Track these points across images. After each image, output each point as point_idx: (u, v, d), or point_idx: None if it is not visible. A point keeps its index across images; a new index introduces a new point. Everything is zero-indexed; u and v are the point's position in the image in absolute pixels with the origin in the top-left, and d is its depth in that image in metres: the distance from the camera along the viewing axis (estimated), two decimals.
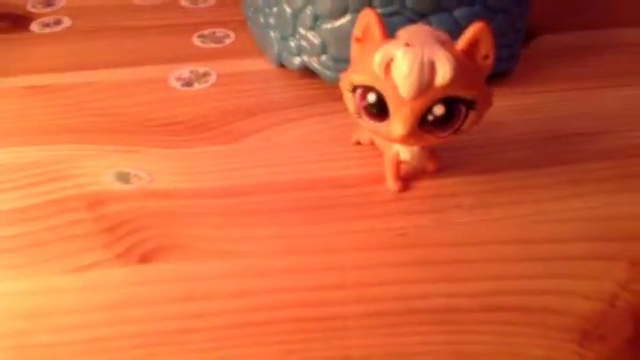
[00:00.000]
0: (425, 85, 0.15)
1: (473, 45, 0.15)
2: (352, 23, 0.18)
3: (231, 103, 0.24)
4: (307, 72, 0.24)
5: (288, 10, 0.23)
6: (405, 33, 0.16)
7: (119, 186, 0.20)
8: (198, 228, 0.18)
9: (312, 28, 0.23)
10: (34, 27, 0.30)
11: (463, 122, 0.16)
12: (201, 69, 0.26)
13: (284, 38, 0.24)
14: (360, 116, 0.17)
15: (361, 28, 0.16)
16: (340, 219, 0.18)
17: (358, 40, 0.16)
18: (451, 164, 0.20)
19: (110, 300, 0.16)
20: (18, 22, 0.31)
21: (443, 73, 0.15)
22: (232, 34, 0.29)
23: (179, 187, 0.20)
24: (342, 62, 0.23)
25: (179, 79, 0.26)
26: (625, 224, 0.18)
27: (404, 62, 0.15)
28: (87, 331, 0.15)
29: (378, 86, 0.15)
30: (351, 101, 0.17)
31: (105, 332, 0.15)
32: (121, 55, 0.27)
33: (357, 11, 0.21)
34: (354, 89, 0.16)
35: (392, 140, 0.17)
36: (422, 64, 0.15)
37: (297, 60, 0.24)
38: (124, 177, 0.20)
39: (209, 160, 0.21)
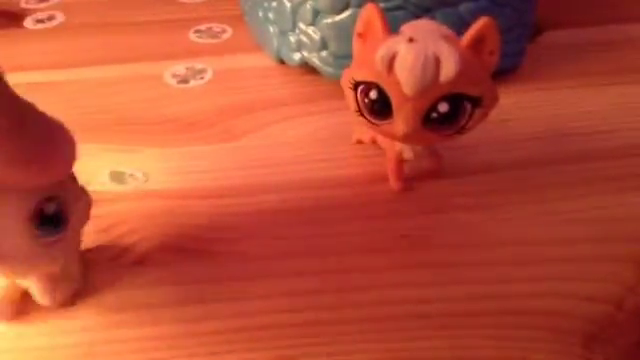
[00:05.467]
0: (429, 82, 0.14)
1: (478, 41, 0.15)
2: (354, 18, 0.18)
3: (228, 100, 0.23)
4: (307, 68, 0.24)
5: (287, 4, 0.23)
6: (409, 28, 0.15)
7: (114, 186, 0.19)
8: (195, 229, 0.18)
9: (312, 23, 0.22)
10: (28, 23, 0.30)
11: (468, 120, 0.15)
12: (197, 65, 0.26)
13: (283, 33, 0.24)
14: (362, 114, 0.16)
15: (363, 23, 0.16)
16: (341, 219, 0.18)
17: (360, 35, 0.16)
18: (455, 163, 0.19)
19: (104, 303, 0.15)
20: (12, 18, 0.30)
21: (448, 69, 0.14)
22: (229, 29, 0.29)
23: (175, 187, 0.19)
24: (343, 58, 0.22)
25: (174, 76, 0.25)
26: (633, 225, 0.17)
27: (408, 58, 0.14)
28: (81, 334, 0.15)
29: (381, 83, 0.15)
30: (352, 98, 0.16)
31: (99, 336, 0.15)
32: (115, 51, 0.27)
33: (359, 5, 0.21)
34: (356, 86, 0.16)
35: (395, 139, 0.16)
36: (426, 60, 0.14)
37: (297, 56, 0.24)
38: (119, 177, 0.20)
39: (205, 159, 0.20)
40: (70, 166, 0.12)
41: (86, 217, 0.14)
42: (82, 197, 0.14)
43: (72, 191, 0.13)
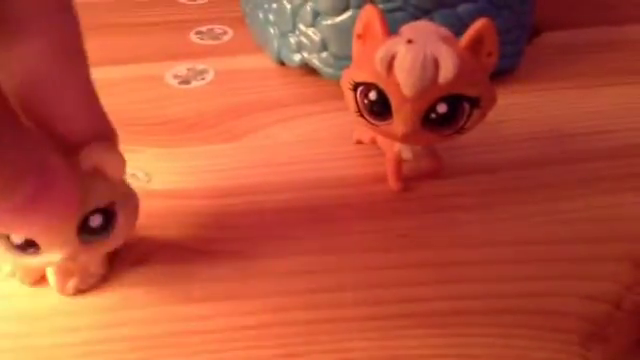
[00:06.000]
0: (428, 83, 0.15)
1: (477, 42, 0.15)
2: (353, 19, 0.18)
3: (229, 101, 0.23)
4: (307, 69, 0.24)
5: (288, 6, 0.23)
6: (408, 30, 0.15)
7: None
8: (196, 229, 0.18)
9: (312, 24, 0.23)
10: None
11: (467, 120, 0.15)
12: (198, 66, 0.26)
13: (283, 34, 0.24)
14: (361, 114, 0.16)
15: (362, 24, 0.16)
16: (340, 219, 0.18)
17: (359, 37, 0.16)
18: (453, 163, 0.19)
19: (106, 302, 0.15)
20: None
21: (446, 70, 0.14)
22: (230, 31, 0.29)
23: (177, 187, 0.19)
24: (343, 59, 0.22)
25: (176, 77, 0.25)
26: (631, 225, 0.17)
27: (406, 59, 0.14)
28: (82, 333, 0.15)
29: (380, 84, 0.15)
30: (352, 99, 0.16)
31: (100, 334, 0.15)
32: (116, 53, 0.27)
33: (358, 7, 0.21)
34: (355, 87, 0.16)
35: (394, 139, 0.17)
36: (425, 61, 0.14)
37: (297, 57, 0.24)
38: None
39: (207, 159, 0.20)
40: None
41: (135, 218, 0.15)
42: (132, 198, 0.15)
43: (122, 194, 0.14)
